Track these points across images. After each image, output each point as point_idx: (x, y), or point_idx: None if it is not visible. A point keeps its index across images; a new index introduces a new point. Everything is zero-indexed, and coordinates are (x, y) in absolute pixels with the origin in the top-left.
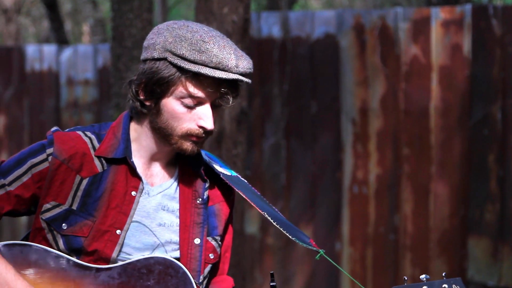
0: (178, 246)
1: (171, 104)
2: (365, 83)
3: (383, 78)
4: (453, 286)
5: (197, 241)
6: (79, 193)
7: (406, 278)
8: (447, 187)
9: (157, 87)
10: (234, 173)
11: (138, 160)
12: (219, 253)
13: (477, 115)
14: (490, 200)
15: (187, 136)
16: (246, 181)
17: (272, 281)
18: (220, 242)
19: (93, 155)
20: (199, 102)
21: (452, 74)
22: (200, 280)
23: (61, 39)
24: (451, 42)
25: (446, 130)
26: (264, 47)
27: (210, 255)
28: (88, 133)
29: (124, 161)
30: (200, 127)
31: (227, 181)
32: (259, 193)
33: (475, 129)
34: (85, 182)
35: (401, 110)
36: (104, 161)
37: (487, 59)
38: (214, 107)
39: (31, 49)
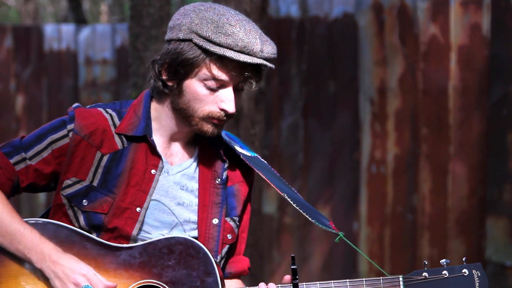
0: (196, 226)
1: (194, 85)
2: (383, 62)
3: (401, 58)
4: (473, 271)
5: (215, 221)
6: (100, 170)
7: (426, 263)
8: (465, 167)
9: (181, 68)
10: (254, 154)
11: (158, 139)
12: (236, 233)
13: (496, 95)
14: (508, 180)
15: (208, 118)
16: (266, 162)
17: (293, 264)
18: (238, 223)
19: (113, 132)
20: (222, 85)
21: (471, 54)
22: (218, 260)
23: (79, 19)
24: (470, 22)
25: (464, 110)
26: (282, 27)
27: (228, 235)
28: (109, 110)
29: (144, 139)
30: (222, 109)
31: (247, 162)
32: (278, 175)
33: (493, 108)
34: (105, 158)
35: (420, 90)
36: (124, 139)
37: (506, 38)
38: (236, 91)
39: (49, 29)
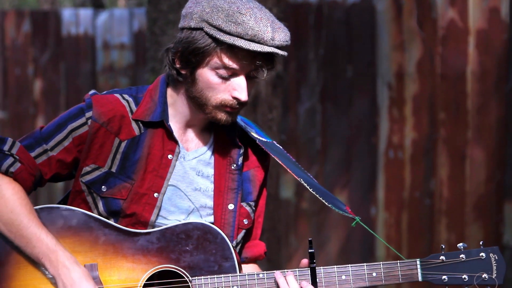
0: (212, 211)
1: (206, 74)
2: (401, 47)
3: (419, 42)
4: (491, 255)
5: (231, 206)
6: (118, 156)
7: (443, 247)
8: (483, 151)
9: (192, 57)
10: (270, 139)
11: (174, 125)
12: (252, 218)
13: None
14: None
15: (221, 106)
16: (281, 147)
17: (311, 247)
18: (254, 208)
19: (130, 118)
20: (233, 73)
21: (489, 38)
22: (233, 245)
23: (97, 3)
24: (488, 6)
25: (482, 95)
26: (300, 11)
27: (244, 220)
28: (126, 96)
29: (161, 124)
30: (235, 98)
31: (263, 147)
32: (294, 160)
33: None
34: (123, 144)
35: (438, 75)
36: (141, 125)
37: None
38: (249, 79)
39: (67, 13)
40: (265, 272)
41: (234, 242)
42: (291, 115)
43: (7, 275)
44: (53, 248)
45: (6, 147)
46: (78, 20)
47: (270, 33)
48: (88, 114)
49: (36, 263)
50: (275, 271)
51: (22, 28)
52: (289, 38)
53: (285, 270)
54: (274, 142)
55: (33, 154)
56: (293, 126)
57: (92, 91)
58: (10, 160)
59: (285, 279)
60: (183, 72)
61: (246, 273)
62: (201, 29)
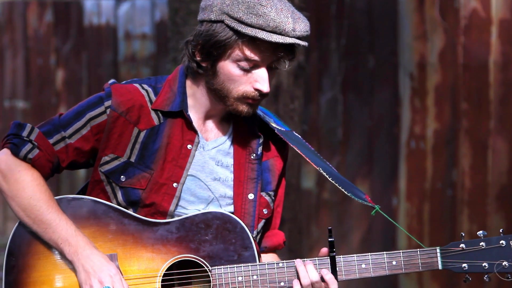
0: (232, 201)
1: (228, 66)
2: (423, 37)
3: (441, 32)
4: (511, 242)
5: (251, 196)
6: (137, 146)
7: (463, 234)
8: (505, 142)
9: (213, 50)
10: (289, 128)
11: (193, 115)
12: (272, 208)
13: None
14: None
15: (243, 98)
16: (300, 136)
17: (330, 236)
18: (273, 197)
19: (150, 108)
20: (255, 65)
21: None
22: (254, 235)
23: None
24: None
25: (505, 85)
26: (321, 1)
27: (263, 210)
28: (145, 86)
29: (180, 114)
30: (256, 89)
31: (282, 136)
32: (313, 149)
33: None
34: (142, 134)
35: (460, 65)
36: (160, 114)
37: None
38: (270, 70)
39: (89, 3)
40: (284, 261)
41: (254, 232)
42: (313, 106)
43: (27, 266)
44: (73, 233)
45: (25, 133)
46: (100, 10)
47: (291, 24)
48: (107, 103)
49: (56, 253)
50: (294, 260)
51: (44, 18)
52: (309, 28)
53: (305, 259)
54: (293, 131)
55: (51, 141)
56: (314, 117)
57: (111, 80)
58: (28, 146)
59: (305, 267)
60: (203, 64)
61: (266, 263)
62: (222, 21)
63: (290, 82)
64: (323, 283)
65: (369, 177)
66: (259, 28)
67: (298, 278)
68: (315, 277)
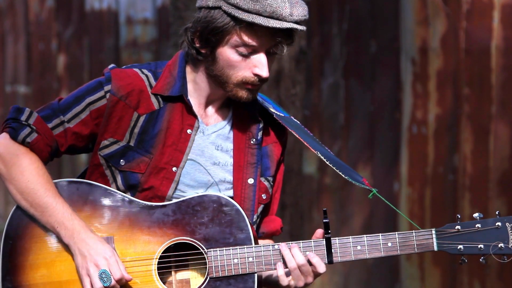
0: (231, 186)
1: (226, 52)
2: (425, 22)
3: (443, 17)
4: (507, 224)
5: (250, 181)
6: (136, 130)
7: (459, 216)
8: (507, 127)
9: (212, 36)
10: (287, 114)
11: (193, 100)
12: (270, 193)
13: None
14: None
15: (243, 84)
16: (298, 122)
17: (325, 217)
18: (272, 183)
19: (149, 93)
20: (253, 50)
21: None
22: (254, 219)
23: None
24: None
25: (507, 70)
26: None
27: (262, 195)
28: (145, 71)
29: (180, 99)
30: (255, 74)
31: (280, 121)
32: (311, 134)
33: None
34: (142, 119)
35: (462, 49)
36: (160, 99)
37: None
38: (268, 55)
39: None
40: (280, 243)
41: (255, 216)
42: (315, 91)
43: (23, 249)
44: (69, 217)
45: (23, 117)
46: None
47: (288, 8)
48: (107, 87)
49: (53, 237)
50: (279, 243)
51: (45, 3)
52: (307, 12)
53: (290, 242)
54: (291, 116)
55: (50, 125)
56: (316, 102)
57: (111, 65)
58: (27, 130)
59: (290, 251)
60: (202, 51)
61: (262, 245)
62: (219, 7)
63: (292, 67)
64: (310, 266)
65: (371, 162)
66: (256, 14)
67: (284, 263)
68: (302, 260)
